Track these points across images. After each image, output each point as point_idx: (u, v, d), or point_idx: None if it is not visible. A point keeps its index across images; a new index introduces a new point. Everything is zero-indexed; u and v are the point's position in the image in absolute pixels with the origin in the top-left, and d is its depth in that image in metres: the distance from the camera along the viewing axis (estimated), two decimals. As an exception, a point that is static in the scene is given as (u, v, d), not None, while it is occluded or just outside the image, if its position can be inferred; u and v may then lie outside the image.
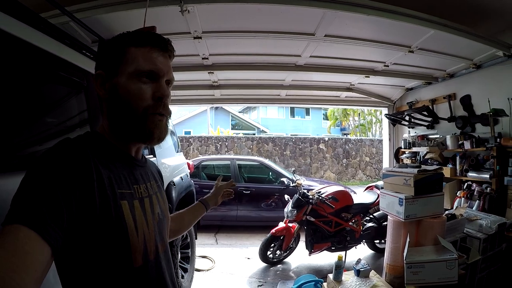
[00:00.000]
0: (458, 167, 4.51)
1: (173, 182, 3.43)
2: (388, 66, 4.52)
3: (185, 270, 3.67)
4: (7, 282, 0.58)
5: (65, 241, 0.73)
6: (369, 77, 4.93)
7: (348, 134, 25.63)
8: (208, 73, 4.67)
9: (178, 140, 4.81)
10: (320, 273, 4.25)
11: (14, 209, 0.68)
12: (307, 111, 28.56)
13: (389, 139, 6.71)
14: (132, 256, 0.86)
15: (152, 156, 3.07)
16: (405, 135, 6.07)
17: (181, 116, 22.65)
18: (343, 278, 2.86)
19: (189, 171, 4.54)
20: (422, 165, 3.14)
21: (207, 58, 4.12)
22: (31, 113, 1.50)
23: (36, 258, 0.65)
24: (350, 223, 4.68)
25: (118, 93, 0.90)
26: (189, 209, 1.53)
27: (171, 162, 3.67)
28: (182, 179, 3.84)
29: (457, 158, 4.54)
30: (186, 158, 6.28)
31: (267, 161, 8.14)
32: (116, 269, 0.83)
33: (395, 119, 6.16)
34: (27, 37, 1.42)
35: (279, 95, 6.44)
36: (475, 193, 4.12)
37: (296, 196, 4.60)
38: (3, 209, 0.70)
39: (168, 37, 0.97)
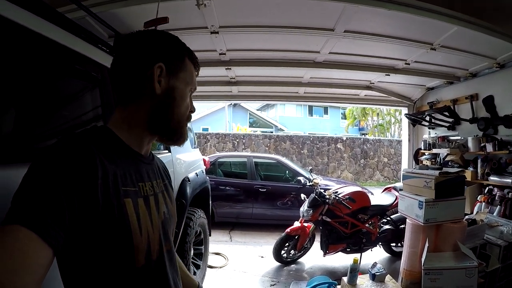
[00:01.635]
0: (479, 170, 4.35)
1: (188, 178, 3.41)
2: (409, 64, 4.40)
3: (197, 266, 3.67)
4: (7, 283, 0.58)
5: (67, 240, 0.72)
6: (389, 75, 4.81)
7: (366, 134, 25.34)
8: (226, 69, 4.64)
9: (195, 136, 4.81)
10: (334, 275, 4.19)
11: (14, 209, 0.67)
12: (325, 110, 28.38)
13: (409, 140, 6.56)
14: (135, 256, 0.84)
15: (167, 151, 3.06)
16: (425, 136, 5.91)
17: (199, 112, 22.78)
18: (357, 281, 2.79)
19: (204, 167, 4.53)
20: (442, 167, 3.04)
21: (224, 54, 4.08)
22: (47, 106, 1.50)
23: (37, 259, 0.64)
24: (367, 225, 4.60)
25: (174, 96, 0.95)
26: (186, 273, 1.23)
27: (187, 158, 3.66)
28: (197, 175, 3.83)
29: (479, 161, 4.38)
30: (203, 155, 6.30)
31: (284, 160, 8.11)
32: (117, 268, 0.82)
33: (415, 119, 6.02)
34: (44, 31, 1.42)
35: (297, 92, 6.36)
36: (496, 198, 3.97)
37: (312, 195, 4.55)
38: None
39: (184, 32, 1.01)
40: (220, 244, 5.60)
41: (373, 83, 5.67)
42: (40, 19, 1.41)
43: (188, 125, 1.10)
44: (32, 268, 0.63)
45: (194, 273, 3.53)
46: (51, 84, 1.54)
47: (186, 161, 3.60)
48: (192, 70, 0.99)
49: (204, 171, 4.37)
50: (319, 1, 2.67)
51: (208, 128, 20.52)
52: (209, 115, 23.80)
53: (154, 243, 0.90)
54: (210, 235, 4.08)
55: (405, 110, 6.66)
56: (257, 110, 28.27)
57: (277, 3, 2.82)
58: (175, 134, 0.99)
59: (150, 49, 0.93)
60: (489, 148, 4.16)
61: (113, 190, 0.80)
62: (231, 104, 23.32)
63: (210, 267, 4.40)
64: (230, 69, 4.68)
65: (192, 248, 3.44)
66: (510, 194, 3.83)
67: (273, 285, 4.12)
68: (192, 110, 1.03)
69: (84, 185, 0.73)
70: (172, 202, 1.08)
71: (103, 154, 0.81)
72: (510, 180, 3.78)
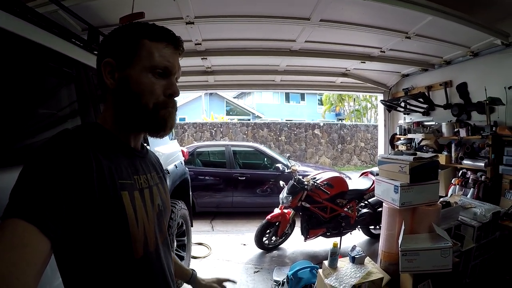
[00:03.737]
0: (453, 154, 4.52)
1: (167, 170, 3.40)
2: (384, 52, 4.48)
3: (181, 258, 3.67)
4: (7, 276, 0.58)
5: (65, 233, 0.73)
6: (365, 62, 4.90)
7: (343, 119, 25.64)
8: (201, 59, 4.62)
9: (172, 127, 4.75)
10: (316, 259, 4.28)
11: (12, 203, 0.67)
12: (302, 96, 28.47)
13: (385, 125, 6.71)
14: (133, 247, 0.85)
15: (145, 144, 3.02)
16: (401, 122, 6.06)
17: (175, 102, 22.45)
18: (338, 265, 2.87)
19: (183, 158, 4.51)
20: (417, 152, 3.13)
21: (200, 44, 4.06)
22: (19, 105, 1.46)
23: (35, 251, 0.64)
24: (345, 209, 4.70)
25: (129, 85, 0.89)
26: (178, 264, 1.34)
27: (165, 150, 3.64)
28: (176, 166, 3.82)
29: (453, 145, 4.55)
30: (181, 145, 6.25)
31: (262, 147, 8.15)
32: (117, 260, 0.83)
33: (390, 105, 6.14)
34: (13, 28, 1.37)
35: (273, 80, 6.40)
36: (469, 181, 4.15)
37: (291, 182, 4.60)
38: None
39: (159, 23, 0.96)
40: (202, 234, 5.60)
41: (349, 70, 5.75)
42: (9, 15, 1.37)
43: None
44: (32, 260, 0.63)
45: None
46: (23, 83, 1.49)
47: (165, 153, 3.58)
48: (150, 48, 0.89)
49: (183, 162, 4.35)
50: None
51: (185, 118, 20.25)
52: (186, 104, 23.51)
53: (150, 235, 0.92)
54: (192, 226, 4.08)
55: (381, 96, 6.79)
56: (234, 98, 28.10)
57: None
58: (153, 123, 0.92)
59: (101, 47, 0.95)
60: (463, 133, 4.33)
61: (110, 182, 0.81)
62: (207, 93, 23.10)
63: (194, 257, 4.41)
64: (206, 58, 4.65)
65: (175, 240, 3.46)
66: (483, 177, 4.01)
67: (257, 271, 4.17)
68: (169, 91, 0.92)
69: (79, 178, 0.74)
70: (166, 195, 1.09)
71: (97, 148, 0.83)
72: (483, 164, 3.96)
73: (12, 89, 1.39)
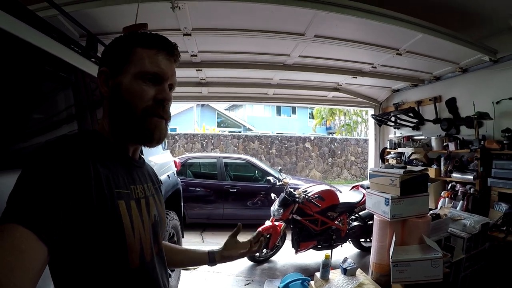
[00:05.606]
0: (442, 168, 4.61)
1: (160, 180, 3.39)
2: (375, 67, 4.59)
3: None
4: (4, 281, 0.58)
5: (62, 240, 0.72)
6: (356, 77, 5.00)
7: (333, 133, 25.80)
8: (196, 70, 4.66)
9: (165, 137, 4.76)
10: (307, 272, 4.27)
11: (10, 208, 0.67)
12: (294, 110, 28.59)
13: (375, 140, 6.80)
14: (129, 257, 0.85)
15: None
16: (391, 136, 6.16)
17: (167, 112, 22.34)
18: (330, 276, 2.88)
19: (175, 169, 4.51)
20: (407, 166, 3.18)
21: (196, 55, 4.10)
22: (15, 109, 1.45)
23: (33, 257, 0.64)
24: (336, 222, 4.72)
25: (120, 92, 0.90)
26: (190, 250, 1.37)
27: (158, 160, 3.64)
28: (169, 177, 3.81)
29: (442, 159, 4.64)
30: (172, 156, 6.24)
31: (253, 160, 8.15)
32: (112, 269, 0.82)
33: (381, 120, 6.23)
34: (13, 30, 1.37)
35: (266, 93, 6.47)
36: (459, 194, 4.23)
37: (282, 195, 4.61)
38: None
39: (157, 33, 0.97)
40: (192, 246, 5.51)
41: (341, 85, 5.85)
42: (10, 17, 1.38)
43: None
44: (29, 266, 0.62)
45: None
46: (19, 86, 1.48)
47: (157, 163, 3.57)
48: (141, 55, 0.90)
49: (175, 173, 4.35)
50: (290, 7, 2.73)
51: (176, 129, 20.20)
52: (177, 115, 23.37)
53: (146, 245, 0.92)
54: (183, 237, 4.06)
55: (371, 111, 6.89)
56: (225, 110, 28.06)
57: (249, 7, 2.87)
58: (140, 133, 0.92)
59: (100, 58, 0.98)
60: (452, 147, 4.44)
61: (107, 191, 0.81)
62: (200, 104, 23.11)
63: (185, 269, 4.37)
64: (200, 70, 4.69)
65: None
66: (471, 189, 4.09)
67: (247, 284, 4.16)
68: (159, 97, 0.92)
69: (78, 185, 0.74)
70: (162, 206, 1.08)
71: (95, 156, 0.83)
72: (472, 177, 4.06)
73: (9, 90, 1.39)
